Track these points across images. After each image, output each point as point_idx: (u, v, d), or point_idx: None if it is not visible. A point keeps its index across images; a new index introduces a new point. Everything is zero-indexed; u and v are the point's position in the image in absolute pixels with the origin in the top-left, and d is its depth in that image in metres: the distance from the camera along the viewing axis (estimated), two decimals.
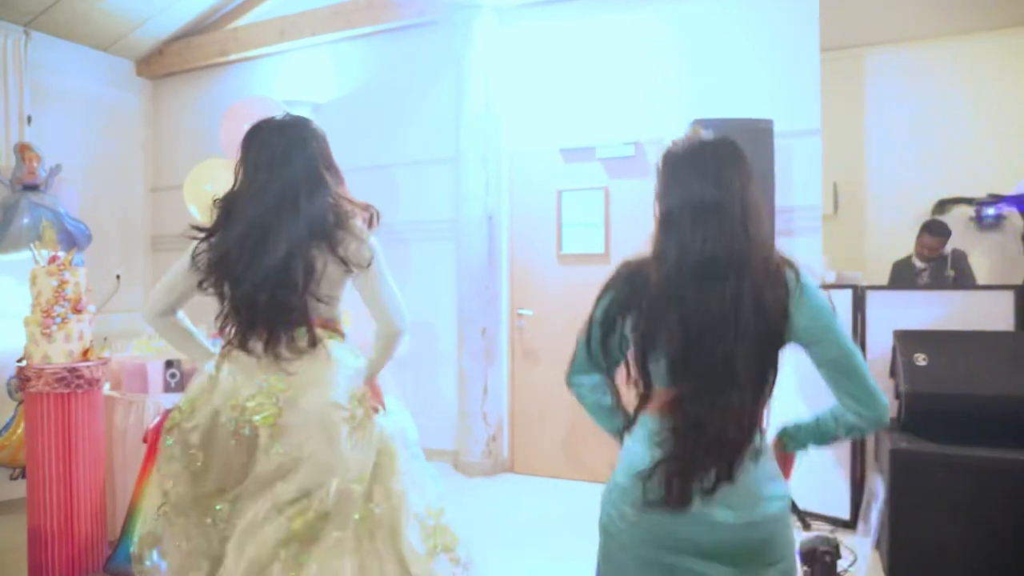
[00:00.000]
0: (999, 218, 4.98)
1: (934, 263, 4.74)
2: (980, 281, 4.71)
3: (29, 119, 4.99)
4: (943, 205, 5.10)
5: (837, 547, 2.91)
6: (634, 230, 4.51)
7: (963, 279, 4.63)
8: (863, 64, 5.37)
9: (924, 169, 5.15)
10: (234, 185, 1.92)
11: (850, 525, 3.62)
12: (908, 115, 5.21)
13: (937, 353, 3.14)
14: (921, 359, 3.13)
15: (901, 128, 5.23)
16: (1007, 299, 3.49)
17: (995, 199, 4.97)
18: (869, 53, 5.34)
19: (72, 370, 3.16)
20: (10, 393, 4.24)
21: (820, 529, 3.56)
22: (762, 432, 1.47)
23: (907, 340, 3.24)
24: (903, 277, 4.79)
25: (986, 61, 5.03)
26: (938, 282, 4.62)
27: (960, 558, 2.87)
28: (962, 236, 5.07)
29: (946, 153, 5.09)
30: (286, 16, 5.54)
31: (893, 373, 3.38)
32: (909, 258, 4.86)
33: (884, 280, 4.90)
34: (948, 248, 4.79)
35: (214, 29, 5.98)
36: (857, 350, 1.46)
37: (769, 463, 1.46)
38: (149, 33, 5.94)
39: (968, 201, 5.06)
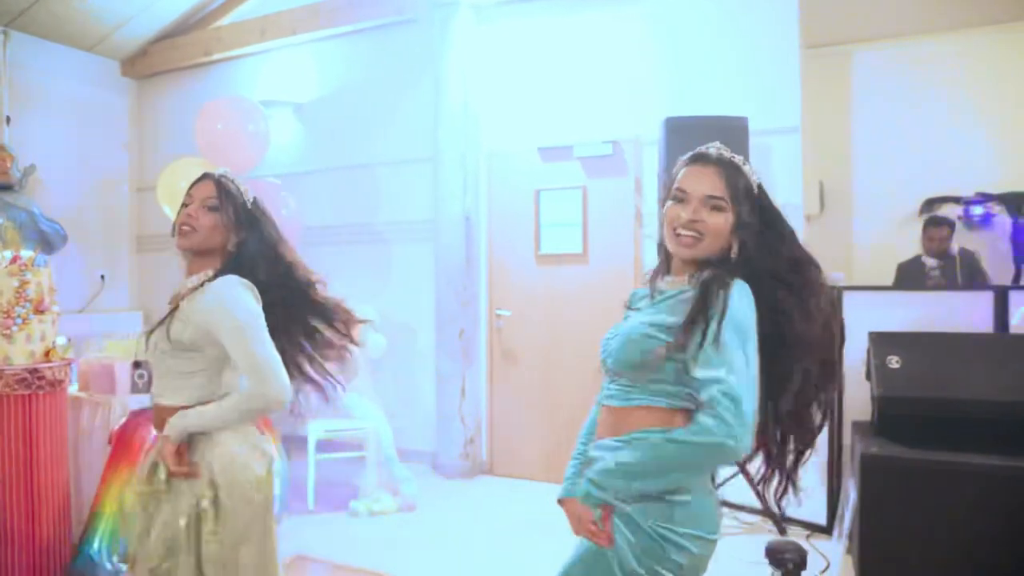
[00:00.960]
0: (987, 217, 4.90)
1: (944, 263, 4.67)
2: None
3: (8, 119, 4.97)
4: (931, 204, 5.04)
5: (804, 556, 2.87)
6: (612, 230, 4.47)
7: (977, 278, 4.58)
8: (850, 61, 5.31)
9: (911, 168, 5.09)
10: None
11: (826, 530, 3.57)
12: (895, 113, 5.15)
13: (912, 355, 3.08)
14: (895, 361, 3.07)
15: (888, 126, 5.17)
16: (986, 300, 3.43)
17: (983, 198, 4.91)
18: (856, 50, 5.28)
19: (33, 371, 3.12)
20: None
21: (796, 535, 3.51)
22: None
23: (881, 342, 3.17)
24: (912, 278, 4.72)
25: (974, 58, 4.97)
26: (952, 283, 4.56)
27: (930, 563, 2.81)
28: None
29: (934, 151, 5.03)
30: (267, 15, 5.51)
31: (868, 376, 3.32)
32: (917, 258, 4.80)
33: (872, 280, 4.83)
34: (955, 248, 4.74)
35: (197, 29, 5.96)
36: None
37: None
38: (132, 33, 5.93)
39: (956, 200, 5.00)
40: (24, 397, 3.12)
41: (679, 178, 1.49)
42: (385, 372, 4.91)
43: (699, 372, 1.33)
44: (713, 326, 1.32)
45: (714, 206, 1.42)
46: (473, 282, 4.82)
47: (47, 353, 3.24)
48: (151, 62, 6.21)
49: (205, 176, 1.88)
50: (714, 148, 1.49)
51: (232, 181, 1.88)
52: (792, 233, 1.49)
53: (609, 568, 1.41)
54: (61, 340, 3.34)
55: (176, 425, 1.69)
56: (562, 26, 4.71)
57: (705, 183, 1.43)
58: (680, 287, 1.47)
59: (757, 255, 1.43)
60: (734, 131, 3.73)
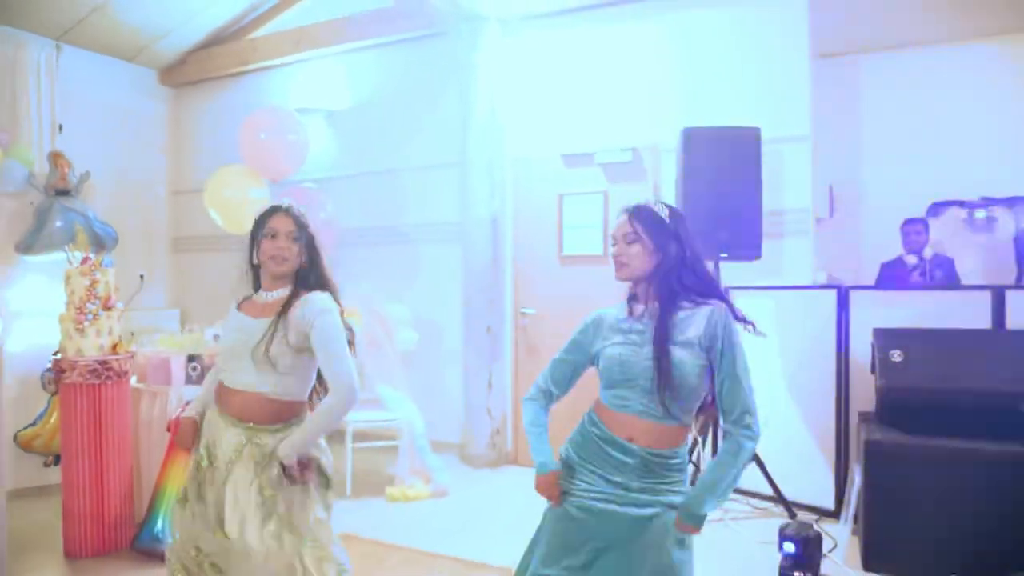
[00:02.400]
0: (990, 221, 5.10)
1: (923, 263, 4.89)
2: (972, 281, 4.85)
3: (60, 127, 5.26)
4: (936, 208, 5.24)
5: (820, 537, 3.10)
6: None
7: (951, 279, 4.79)
8: (859, 70, 5.52)
9: (918, 172, 5.27)
10: None
11: (834, 514, 3.79)
12: (903, 120, 5.34)
13: (913, 350, 3.31)
14: (897, 355, 3.30)
15: (896, 132, 5.36)
16: (985, 299, 3.64)
17: (987, 202, 5.10)
18: (864, 59, 5.48)
19: (103, 363, 3.42)
20: (43, 385, 4.51)
21: (806, 519, 3.74)
22: None
23: (885, 337, 3.40)
24: (895, 277, 4.94)
25: (979, 68, 5.15)
26: (934, 281, 4.78)
27: (930, 543, 3.04)
28: (954, 238, 5.22)
29: (939, 157, 5.20)
30: (302, 27, 5.78)
31: (873, 369, 3.55)
32: (899, 258, 5.01)
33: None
34: (929, 251, 4.94)
35: (233, 40, 6.23)
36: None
37: None
38: (172, 44, 6.21)
39: (960, 204, 5.20)
40: (93, 386, 3.41)
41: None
42: (416, 367, 5.16)
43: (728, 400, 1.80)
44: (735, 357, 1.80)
45: (630, 240, 1.86)
46: (499, 281, 5.07)
47: (114, 346, 3.53)
48: (188, 71, 6.49)
49: (280, 210, 2.18)
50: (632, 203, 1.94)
51: (301, 212, 2.20)
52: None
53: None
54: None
55: (296, 444, 2.02)
56: (584, 39, 4.95)
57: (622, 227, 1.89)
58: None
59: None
60: (747, 140, 3.97)
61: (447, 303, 5.27)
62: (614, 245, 1.90)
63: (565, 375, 2.01)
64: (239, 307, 2.20)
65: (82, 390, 3.40)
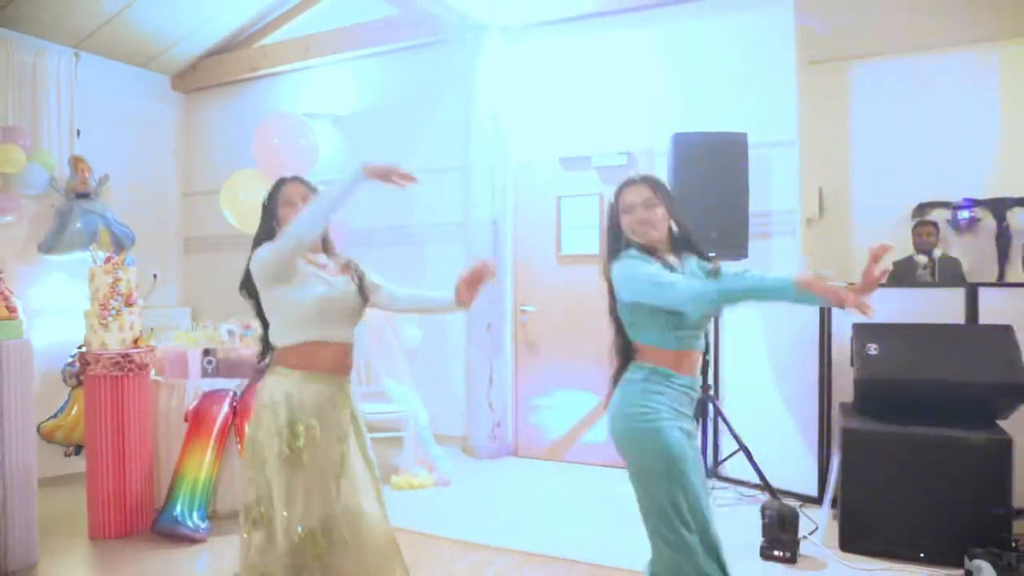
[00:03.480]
0: (974, 221, 5.27)
1: (930, 262, 5.06)
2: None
3: (78, 132, 5.48)
4: (922, 208, 5.41)
5: (795, 516, 3.30)
6: None
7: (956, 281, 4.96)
8: (847, 76, 5.69)
9: (905, 174, 5.43)
10: None
11: (817, 501, 3.98)
12: (890, 124, 5.50)
13: (889, 343, 3.50)
14: (873, 348, 3.49)
15: (883, 136, 5.52)
16: (960, 296, 3.84)
17: (970, 203, 5.27)
18: (853, 66, 5.65)
19: (125, 355, 3.63)
20: (64, 379, 4.73)
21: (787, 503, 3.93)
22: None
23: (863, 332, 3.59)
24: (905, 275, 5.10)
25: (962, 74, 5.31)
26: (944, 280, 4.94)
27: (903, 525, 3.23)
28: (941, 237, 5.39)
29: (925, 160, 5.36)
30: (310, 35, 6.00)
31: (853, 362, 3.73)
32: (910, 257, 5.17)
33: None
34: (938, 252, 5.12)
35: (244, 47, 6.45)
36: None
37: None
38: (184, 51, 6.43)
39: (945, 205, 5.37)
40: (116, 378, 3.63)
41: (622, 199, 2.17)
42: (420, 363, 5.37)
43: None
44: None
45: (652, 205, 2.10)
46: (500, 280, 5.27)
47: (135, 340, 3.75)
48: (199, 77, 6.71)
49: (288, 180, 2.34)
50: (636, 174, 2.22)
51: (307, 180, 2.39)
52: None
53: None
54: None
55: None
56: (582, 48, 5.16)
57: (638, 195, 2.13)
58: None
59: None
60: (734, 145, 4.17)
61: None
62: (628, 213, 2.10)
63: None
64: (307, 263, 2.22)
65: (105, 381, 3.61)
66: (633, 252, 2.10)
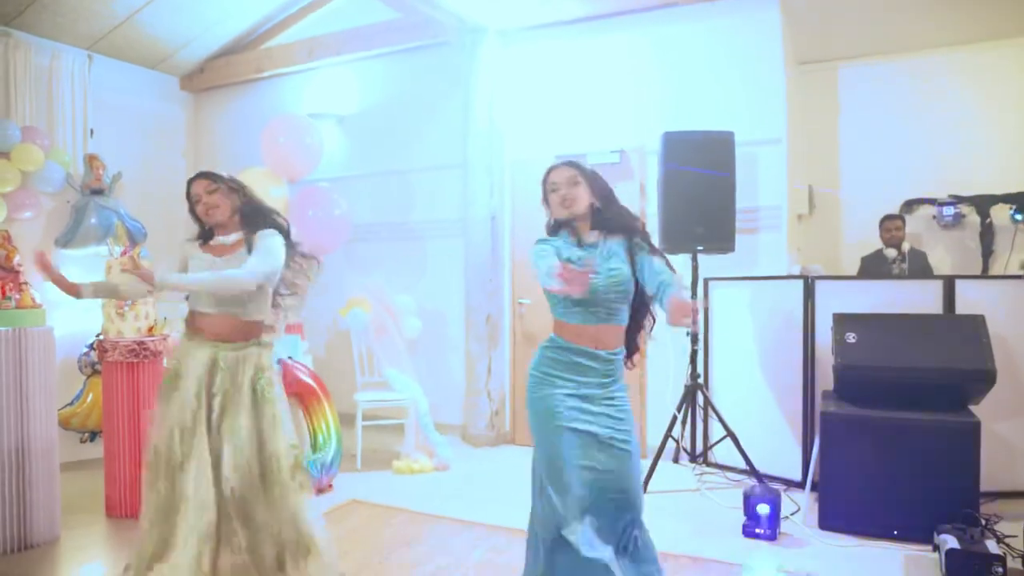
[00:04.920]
0: (958, 217, 5.43)
1: (899, 255, 5.22)
2: (941, 272, 5.18)
3: (92, 132, 5.68)
4: (909, 205, 5.57)
5: (778, 496, 3.47)
6: None
7: (925, 272, 5.12)
8: (836, 76, 5.86)
9: (892, 172, 5.61)
10: None
11: (801, 485, 4.14)
12: (878, 123, 5.67)
13: (867, 332, 3.66)
14: (851, 337, 3.66)
15: (871, 135, 5.69)
16: (938, 287, 4.01)
17: (955, 200, 5.44)
18: (842, 66, 5.82)
19: (140, 343, 3.82)
20: (80, 368, 4.92)
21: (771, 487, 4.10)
22: None
23: (842, 321, 3.76)
24: (876, 269, 5.27)
25: (949, 74, 5.47)
26: (914, 272, 5.11)
27: (877, 504, 3.40)
28: (925, 234, 5.56)
29: (912, 158, 5.54)
30: (314, 37, 6.18)
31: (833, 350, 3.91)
32: (879, 251, 5.34)
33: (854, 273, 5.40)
34: (907, 246, 5.28)
35: (250, 49, 6.63)
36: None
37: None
38: (192, 52, 6.62)
39: (931, 202, 5.53)
40: (132, 364, 3.82)
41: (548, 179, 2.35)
42: (421, 353, 5.56)
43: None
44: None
45: (573, 183, 2.29)
46: (498, 274, 5.46)
47: (150, 329, 3.94)
48: (207, 78, 6.90)
49: (194, 178, 2.64)
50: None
51: (211, 171, 2.66)
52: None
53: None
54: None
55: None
56: (576, 50, 5.34)
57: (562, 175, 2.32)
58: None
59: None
60: (722, 143, 4.34)
61: (450, 294, 5.66)
62: (555, 191, 2.29)
63: None
64: (202, 249, 2.60)
65: (122, 368, 3.80)
66: (541, 237, 2.37)
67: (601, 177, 2.35)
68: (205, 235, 2.64)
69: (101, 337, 3.87)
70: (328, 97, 6.23)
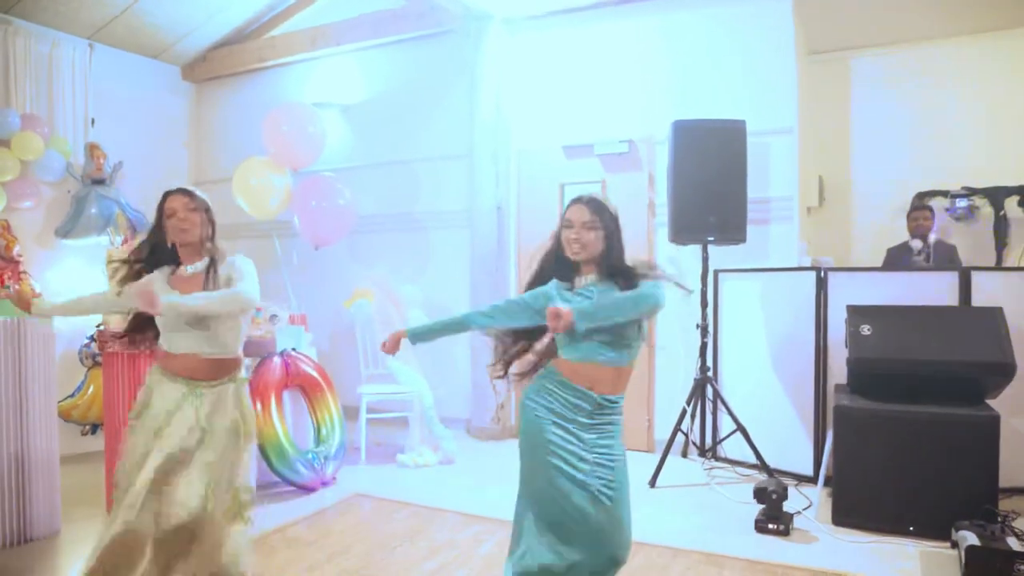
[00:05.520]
0: (971, 209, 5.34)
1: (925, 247, 5.13)
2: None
3: (93, 121, 5.61)
4: (921, 197, 5.47)
5: (785, 489, 3.41)
6: (627, 219, 4.96)
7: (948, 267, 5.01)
8: (848, 66, 5.76)
9: (904, 163, 5.52)
10: None
11: (813, 480, 4.08)
12: (890, 113, 5.58)
13: (882, 324, 3.59)
14: (866, 329, 3.58)
15: (883, 126, 5.60)
16: (953, 280, 3.93)
17: (968, 191, 5.35)
18: (854, 56, 5.73)
19: None
20: (81, 360, 4.87)
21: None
22: None
23: (856, 314, 3.68)
24: (900, 261, 5.17)
25: (962, 63, 5.38)
26: (939, 265, 5.00)
27: (892, 499, 3.33)
28: (937, 226, 5.47)
29: (924, 149, 5.45)
30: (318, 26, 6.10)
31: (846, 343, 3.83)
32: (905, 243, 5.24)
33: (870, 265, 5.30)
34: (933, 237, 5.19)
35: (253, 38, 6.55)
36: None
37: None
38: (194, 42, 6.54)
39: (944, 193, 5.44)
40: (133, 355, 3.75)
41: (567, 214, 2.22)
42: (425, 346, 5.47)
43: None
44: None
45: (589, 227, 2.17)
46: (504, 265, 5.39)
47: None
48: (209, 68, 6.82)
49: (172, 192, 2.43)
50: (585, 194, 2.26)
51: (192, 189, 2.49)
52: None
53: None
54: None
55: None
56: (584, 37, 5.25)
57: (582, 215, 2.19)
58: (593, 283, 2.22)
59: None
60: (733, 132, 4.26)
61: (455, 285, 5.59)
62: (570, 228, 2.18)
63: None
64: (169, 282, 2.41)
65: (122, 359, 3.74)
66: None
67: (618, 220, 2.23)
68: (170, 260, 2.46)
69: (101, 328, 3.80)
70: (332, 86, 6.17)
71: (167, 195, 2.41)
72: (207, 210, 2.45)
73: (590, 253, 2.19)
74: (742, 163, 4.25)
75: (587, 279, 2.22)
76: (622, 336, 2.16)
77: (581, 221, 2.17)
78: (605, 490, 2.13)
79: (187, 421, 2.34)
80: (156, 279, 2.41)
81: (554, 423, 2.17)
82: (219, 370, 2.42)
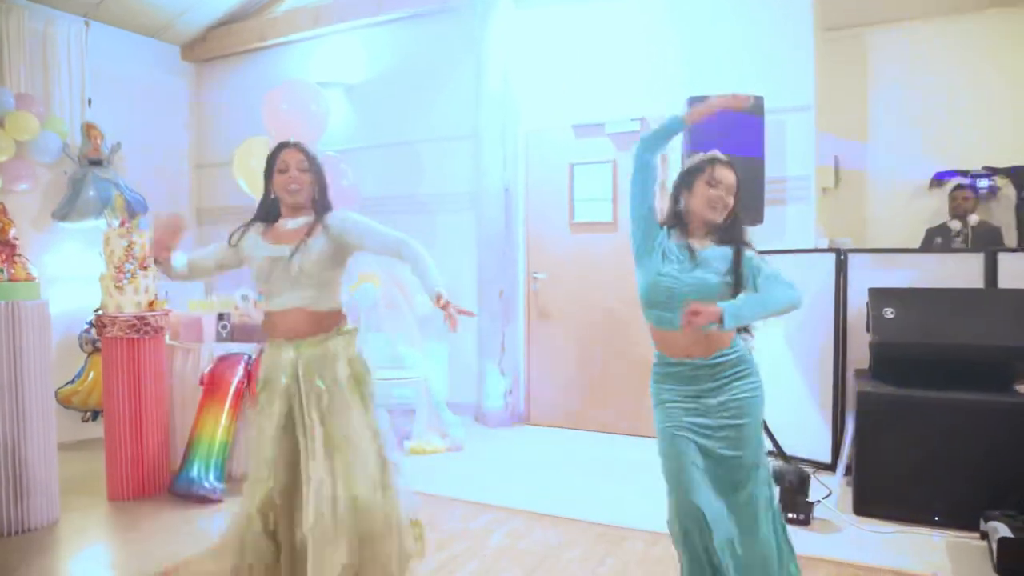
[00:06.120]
0: (993, 190, 5.20)
1: (966, 230, 4.98)
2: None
3: (90, 101, 5.47)
4: (939, 177, 5.34)
5: (807, 478, 3.31)
6: None
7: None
8: (865, 43, 5.59)
9: (922, 143, 5.36)
10: None
11: (830, 468, 3.97)
12: (907, 91, 5.42)
13: (905, 307, 3.47)
14: (889, 313, 3.46)
15: (900, 104, 5.44)
16: (979, 261, 3.79)
17: (989, 172, 5.20)
18: (871, 32, 5.56)
19: (140, 318, 3.65)
20: (81, 345, 4.77)
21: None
22: None
23: (879, 296, 3.56)
24: (932, 242, 5.03)
25: (982, 39, 5.21)
26: (980, 246, 4.85)
27: (916, 488, 3.23)
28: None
29: (944, 128, 5.29)
30: (320, 4, 5.93)
31: (868, 328, 3.71)
32: (943, 224, 5.09)
33: (886, 246, 5.15)
34: (974, 218, 5.03)
35: (253, 16, 6.38)
36: None
37: None
38: (193, 20, 6.38)
39: (964, 173, 5.28)
40: (132, 340, 3.65)
41: (714, 172, 2.11)
42: (432, 330, 5.36)
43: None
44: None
45: (731, 192, 2.11)
46: (512, 248, 5.26)
47: (150, 304, 3.77)
48: (210, 47, 6.67)
49: (289, 145, 2.32)
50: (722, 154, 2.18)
51: (307, 146, 2.36)
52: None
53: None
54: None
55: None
56: (594, 12, 5.08)
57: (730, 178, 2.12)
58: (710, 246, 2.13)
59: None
60: (751, 108, 4.10)
61: (462, 269, 5.45)
62: (713, 187, 2.08)
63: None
64: (262, 236, 2.30)
65: (122, 344, 3.64)
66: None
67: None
68: (270, 216, 2.34)
69: (100, 312, 3.69)
70: (334, 65, 6.01)
71: (282, 147, 2.30)
72: (319, 173, 2.32)
73: (722, 216, 2.11)
74: (759, 141, 4.10)
75: (705, 242, 2.13)
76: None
77: (728, 182, 2.10)
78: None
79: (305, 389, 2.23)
80: (246, 234, 2.32)
81: (670, 405, 2.16)
82: (322, 324, 2.30)
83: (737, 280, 2.05)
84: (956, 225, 4.99)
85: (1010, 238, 5.12)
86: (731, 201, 2.11)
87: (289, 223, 2.30)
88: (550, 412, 5.26)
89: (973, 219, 4.97)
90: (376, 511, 2.17)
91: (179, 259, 2.28)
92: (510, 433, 5.09)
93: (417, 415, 4.67)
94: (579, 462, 4.39)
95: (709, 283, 2.04)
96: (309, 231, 2.25)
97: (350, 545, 2.11)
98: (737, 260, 2.07)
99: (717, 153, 2.16)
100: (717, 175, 2.10)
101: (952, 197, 5.04)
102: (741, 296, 2.03)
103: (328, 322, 2.30)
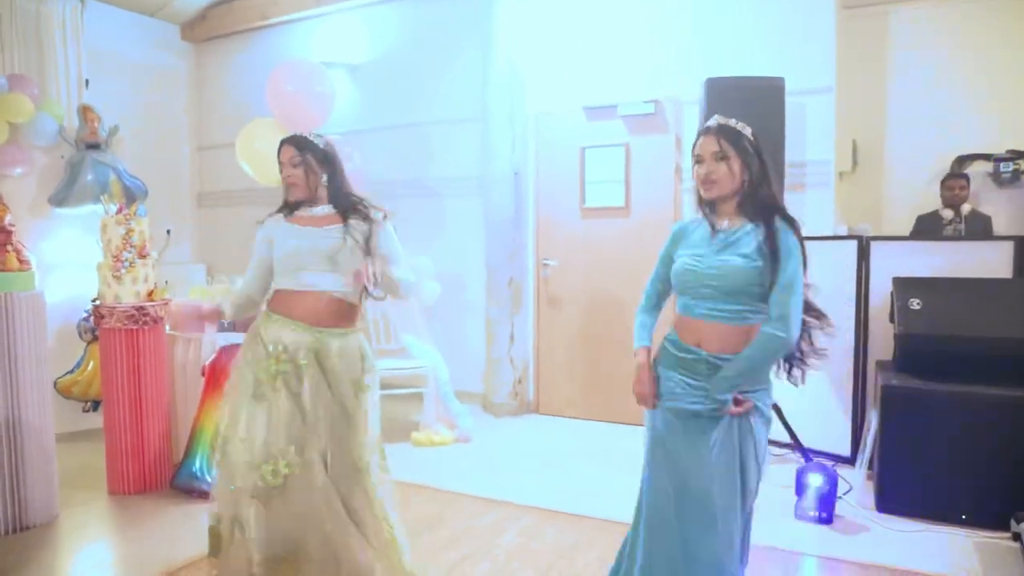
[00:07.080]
0: (1018, 174, 5.04)
1: (958, 219, 4.85)
2: (997, 234, 4.82)
3: (87, 82, 5.33)
4: (961, 161, 5.18)
5: (835, 481, 3.19)
6: (652, 184, 4.73)
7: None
8: (886, 22, 5.42)
9: (944, 126, 5.21)
10: None
11: (850, 461, 3.87)
12: (929, 73, 5.25)
13: (932, 298, 3.34)
14: (915, 303, 3.33)
15: (922, 85, 5.28)
16: (1007, 249, 3.65)
17: (1014, 155, 5.04)
18: (892, 11, 5.38)
19: (139, 308, 3.54)
20: (80, 334, 4.66)
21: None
22: None
23: (904, 286, 3.43)
24: (929, 229, 4.91)
25: (1007, 19, 5.04)
26: (971, 234, 4.73)
27: (942, 486, 3.12)
28: (980, 191, 5.17)
29: (966, 110, 5.13)
30: None
31: (892, 318, 3.58)
32: (935, 212, 4.97)
33: (903, 233, 5.02)
34: (967, 208, 4.90)
35: None
36: None
37: None
38: None
39: (987, 157, 5.13)
40: (131, 331, 3.54)
41: (695, 147, 1.92)
42: (439, 318, 5.26)
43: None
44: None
45: (720, 158, 1.86)
46: (521, 234, 5.13)
47: (149, 293, 3.65)
48: (209, 26, 6.51)
49: (283, 142, 2.33)
50: (712, 120, 1.93)
51: (303, 137, 2.34)
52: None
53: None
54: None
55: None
56: None
57: (709, 147, 1.88)
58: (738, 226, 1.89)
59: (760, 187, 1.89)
60: (770, 91, 3.96)
61: (469, 255, 5.34)
62: (699, 164, 1.89)
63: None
64: (288, 219, 2.32)
65: (120, 335, 3.52)
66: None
67: (759, 146, 1.90)
68: (288, 207, 2.35)
69: (97, 302, 3.57)
70: (338, 45, 5.85)
71: (280, 143, 2.34)
72: (319, 158, 2.29)
73: (723, 189, 1.87)
74: (780, 124, 3.95)
75: (736, 221, 1.90)
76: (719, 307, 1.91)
77: (709, 152, 1.87)
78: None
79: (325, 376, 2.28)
80: (269, 224, 2.35)
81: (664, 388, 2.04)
82: (346, 316, 2.31)
83: (774, 261, 1.81)
84: (948, 214, 4.87)
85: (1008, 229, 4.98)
86: (723, 170, 1.85)
87: (313, 210, 2.31)
88: (560, 401, 5.16)
89: (965, 208, 4.84)
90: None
91: (229, 313, 2.41)
92: (519, 422, 4.99)
93: (425, 405, 4.57)
94: (590, 453, 4.29)
95: (733, 266, 1.83)
96: (328, 220, 2.28)
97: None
98: (769, 239, 1.82)
99: (709, 122, 1.94)
100: (697, 149, 1.91)
101: (947, 187, 4.91)
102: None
103: (352, 315, 2.31)
